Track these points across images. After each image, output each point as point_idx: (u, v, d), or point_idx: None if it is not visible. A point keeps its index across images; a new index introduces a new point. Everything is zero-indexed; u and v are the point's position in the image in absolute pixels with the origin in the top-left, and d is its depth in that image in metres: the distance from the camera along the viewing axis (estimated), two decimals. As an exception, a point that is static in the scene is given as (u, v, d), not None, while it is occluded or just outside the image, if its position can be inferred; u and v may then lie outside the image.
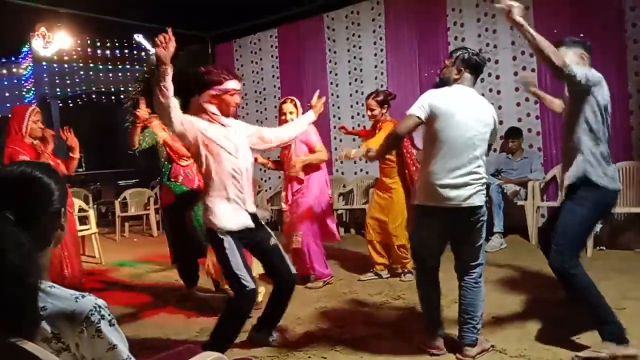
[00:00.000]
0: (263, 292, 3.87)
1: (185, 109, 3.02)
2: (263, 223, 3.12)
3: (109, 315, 1.24)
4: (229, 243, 2.85)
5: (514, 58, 6.31)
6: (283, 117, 4.44)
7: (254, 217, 3.00)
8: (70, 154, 4.25)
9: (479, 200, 2.79)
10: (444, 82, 2.88)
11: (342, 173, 7.95)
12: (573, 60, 2.83)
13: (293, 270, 3.13)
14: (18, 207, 1.23)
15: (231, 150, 2.91)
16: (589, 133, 2.76)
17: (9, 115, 4.19)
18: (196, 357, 1.50)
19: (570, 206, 2.83)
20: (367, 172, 7.53)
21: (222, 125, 2.96)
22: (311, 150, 4.54)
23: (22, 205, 1.25)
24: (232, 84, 2.94)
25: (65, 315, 1.19)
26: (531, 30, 2.55)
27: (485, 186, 2.85)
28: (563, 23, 5.71)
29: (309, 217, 4.55)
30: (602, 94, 2.75)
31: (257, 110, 8.82)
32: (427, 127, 2.81)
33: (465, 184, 2.74)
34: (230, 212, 2.89)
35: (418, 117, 2.77)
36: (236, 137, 2.98)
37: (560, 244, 2.78)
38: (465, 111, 2.74)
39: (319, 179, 4.64)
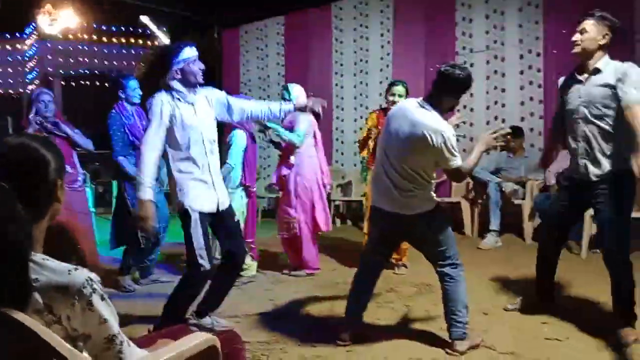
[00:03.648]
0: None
1: None
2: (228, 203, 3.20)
3: (101, 289, 1.24)
4: (195, 221, 2.95)
5: (521, 57, 6.30)
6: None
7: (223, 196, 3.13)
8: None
9: (410, 210, 2.84)
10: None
11: (342, 164, 7.95)
12: (594, 36, 2.85)
13: (244, 248, 3.31)
14: (14, 178, 1.23)
15: (198, 127, 3.00)
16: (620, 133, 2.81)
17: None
18: (188, 336, 1.50)
19: (617, 201, 2.88)
20: (367, 165, 7.52)
21: (189, 103, 3.01)
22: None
23: (18, 176, 1.25)
24: (189, 52, 2.98)
25: (57, 288, 1.19)
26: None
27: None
28: (574, 23, 5.66)
29: (304, 205, 4.57)
30: None
31: (260, 97, 8.79)
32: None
33: (392, 195, 2.86)
34: (200, 192, 3.00)
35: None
36: (202, 113, 3.06)
37: (620, 237, 2.87)
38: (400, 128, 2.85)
39: (311, 165, 4.64)
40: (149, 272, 4.44)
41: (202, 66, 3.05)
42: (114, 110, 4.23)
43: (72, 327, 1.21)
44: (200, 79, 3.03)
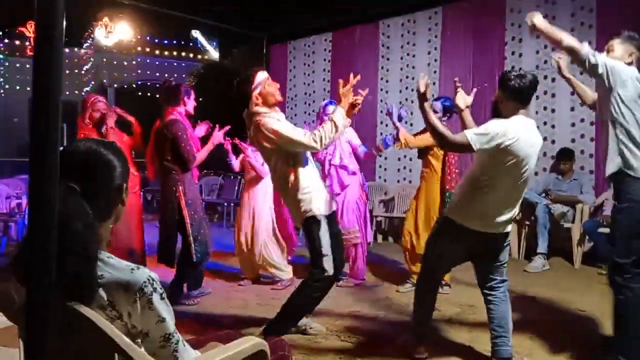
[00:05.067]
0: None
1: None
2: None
3: (161, 289, 1.29)
4: (324, 225, 3.04)
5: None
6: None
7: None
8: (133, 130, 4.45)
9: (510, 226, 2.88)
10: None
11: (385, 180, 7.93)
12: (620, 55, 2.85)
13: (344, 259, 3.36)
14: (83, 180, 1.30)
15: None
16: (619, 129, 2.73)
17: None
18: (237, 341, 1.53)
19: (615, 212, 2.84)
20: (410, 181, 7.48)
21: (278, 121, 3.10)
22: (354, 149, 4.77)
23: (86, 179, 1.32)
24: (260, 76, 3.10)
25: (120, 285, 1.25)
26: (545, 25, 2.76)
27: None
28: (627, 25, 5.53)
29: (359, 216, 4.76)
30: (629, 93, 2.70)
31: (305, 112, 8.90)
32: (496, 157, 2.69)
33: (511, 216, 2.81)
34: (320, 197, 3.10)
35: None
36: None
37: (611, 254, 2.80)
38: (532, 147, 2.72)
39: (357, 179, 4.82)
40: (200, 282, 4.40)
41: (277, 85, 3.17)
42: (176, 117, 4.00)
43: (132, 324, 1.26)
44: (279, 97, 3.14)
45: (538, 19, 2.78)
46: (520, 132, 2.64)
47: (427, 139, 4.37)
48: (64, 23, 1.12)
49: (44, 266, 1.10)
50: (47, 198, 1.09)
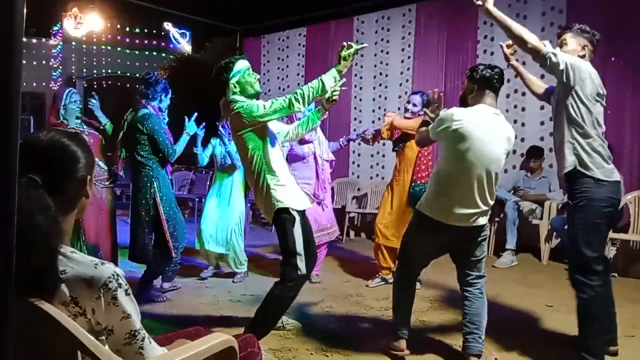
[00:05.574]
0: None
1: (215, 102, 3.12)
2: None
3: (126, 284, 1.26)
4: (298, 222, 2.97)
5: (542, 76, 6.25)
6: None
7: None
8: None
9: (484, 219, 2.86)
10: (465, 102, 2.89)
11: (358, 176, 7.95)
12: (573, 48, 2.85)
13: (316, 255, 3.33)
14: (45, 172, 1.26)
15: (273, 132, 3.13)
16: (575, 128, 2.74)
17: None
18: (205, 337, 1.51)
19: (571, 211, 2.83)
20: (382, 178, 7.51)
21: None
22: None
23: (49, 171, 1.28)
24: (241, 64, 3.04)
25: (84, 280, 1.21)
26: (505, 18, 2.73)
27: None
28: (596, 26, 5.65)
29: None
30: (587, 90, 2.70)
31: (278, 107, 8.85)
32: (449, 145, 2.76)
33: (480, 208, 2.79)
34: (293, 192, 3.07)
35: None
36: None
37: (572, 253, 2.82)
38: (490, 133, 2.73)
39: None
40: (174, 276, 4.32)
41: (257, 75, 3.12)
42: (150, 111, 3.96)
43: (96, 320, 1.23)
44: (258, 88, 3.08)
45: (490, 3, 2.73)
46: (469, 116, 2.70)
47: (410, 125, 4.40)
48: (24, 10, 1.07)
49: (3, 261, 1.05)
50: (6, 190, 1.05)
